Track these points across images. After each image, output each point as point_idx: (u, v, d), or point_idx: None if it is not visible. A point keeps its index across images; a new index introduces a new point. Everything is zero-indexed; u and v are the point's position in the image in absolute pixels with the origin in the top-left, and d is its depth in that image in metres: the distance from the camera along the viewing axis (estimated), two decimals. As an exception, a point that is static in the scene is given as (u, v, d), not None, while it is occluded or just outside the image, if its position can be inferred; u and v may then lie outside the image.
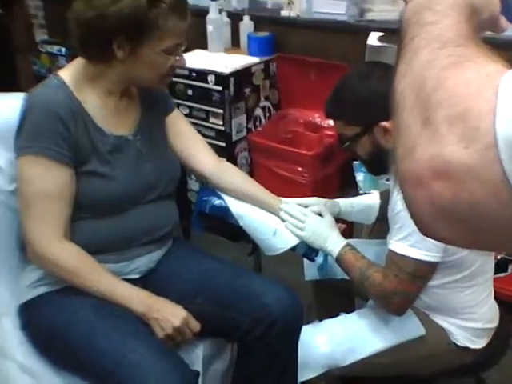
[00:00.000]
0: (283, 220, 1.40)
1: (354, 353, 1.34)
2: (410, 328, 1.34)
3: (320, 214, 1.42)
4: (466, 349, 1.32)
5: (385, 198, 1.53)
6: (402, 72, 0.43)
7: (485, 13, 0.50)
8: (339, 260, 1.34)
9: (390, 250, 1.23)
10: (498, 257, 1.91)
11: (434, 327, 1.33)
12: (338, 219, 1.50)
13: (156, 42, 1.15)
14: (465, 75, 0.37)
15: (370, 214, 1.58)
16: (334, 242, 1.35)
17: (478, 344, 1.33)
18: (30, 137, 1.17)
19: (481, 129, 0.34)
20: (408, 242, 1.19)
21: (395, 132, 0.42)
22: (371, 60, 2.15)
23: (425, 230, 0.40)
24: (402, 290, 1.24)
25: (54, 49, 3.21)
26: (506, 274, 1.99)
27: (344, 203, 1.53)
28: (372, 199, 1.60)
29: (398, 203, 1.22)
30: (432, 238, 0.41)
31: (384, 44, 2.17)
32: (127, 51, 1.15)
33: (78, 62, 1.24)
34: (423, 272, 1.22)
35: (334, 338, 1.37)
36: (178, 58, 1.22)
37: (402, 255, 1.20)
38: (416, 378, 1.50)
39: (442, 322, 1.33)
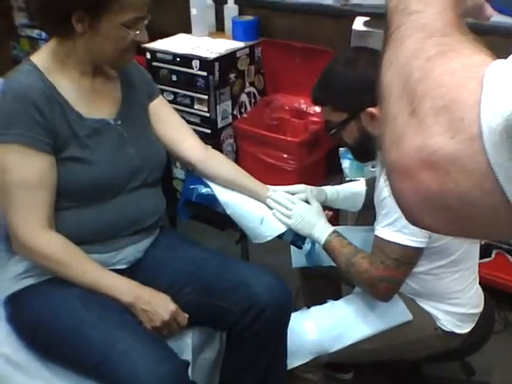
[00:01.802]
0: (270, 208, 1.39)
1: (342, 339, 1.35)
2: (397, 314, 1.35)
3: (307, 202, 1.42)
4: (452, 333, 1.34)
5: (371, 185, 1.54)
6: (388, 62, 0.43)
7: (470, 1, 0.50)
8: (326, 247, 1.34)
9: (376, 236, 1.24)
10: (482, 242, 1.94)
11: (420, 312, 1.35)
12: (325, 206, 1.50)
13: (115, 15, 1.13)
14: (450, 65, 0.37)
15: (357, 202, 1.59)
16: (321, 229, 1.35)
17: (464, 329, 1.35)
18: (4, 124, 1.15)
19: (466, 120, 0.35)
20: (394, 228, 1.20)
21: (382, 121, 0.42)
22: (356, 45, 2.15)
23: (411, 218, 0.41)
24: (388, 275, 1.25)
25: (34, 33, 3.13)
26: (489, 259, 2.02)
27: (330, 190, 1.53)
28: (358, 186, 1.60)
29: (384, 190, 1.22)
30: (418, 226, 0.41)
31: (369, 29, 2.15)
32: (86, 25, 1.13)
33: (49, 46, 1.22)
34: (409, 257, 1.23)
35: (322, 325, 1.38)
36: (138, 32, 1.19)
37: (388, 241, 1.21)
38: (402, 362, 1.52)
39: (428, 307, 1.35)
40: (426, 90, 0.37)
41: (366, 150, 1.32)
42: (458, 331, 1.34)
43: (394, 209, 1.19)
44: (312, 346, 1.36)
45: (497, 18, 0.58)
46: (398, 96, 0.40)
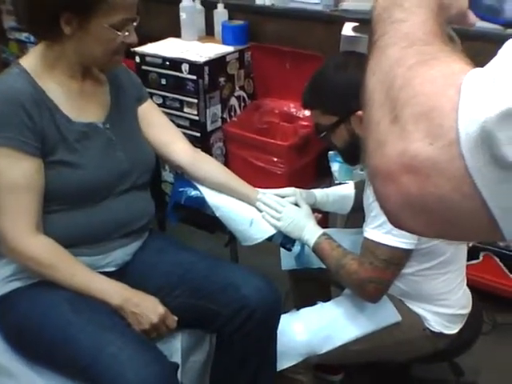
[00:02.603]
0: (260, 210, 1.40)
1: (331, 340, 1.36)
2: (386, 315, 1.36)
3: (297, 205, 1.42)
4: (440, 334, 1.35)
5: (360, 187, 1.55)
6: (372, 69, 0.44)
7: (453, 9, 0.51)
8: (315, 249, 1.35)
9: (366, 238, 1.25)
10: (470, 244, 1.96)
11: (408, 313, 1.36)
12: (314, 209, 1.51)
13: (104, 16, 1.13)
14: (431, 74, 0.39)
15: (345, 204, 1.60)
16: (310, 231, 1.35)
17: (452, 329, 1.36)
18: None
19: (444, 126, 0.36)
20: (383, 230, 1.21)
21: (365, 127, 0.44)
22: (346, 50, 2.16)
23: (395, 221, 0.42)
24: (377, 277, 1.26)
25: (23, 36, 3.11)
26: (477, 261, 2.04)
27: (319, 193, 1.54)
28: (347, 189, 1.61)
29: (372, 200, 1.23)
30: (402, 229, 0.43)
31: (358, 34, 2.17)
32: (75, 26, 1.13)
33: (37, 49, 1.22)
34: (398, 259, 1.24)
35: (311, 327, 1.38)
36: (127, 33, 1.19)
37: (377, 242, 1.22)
38: (391, 363, 1.53)
39: (417, 308, 1.36)
40: (406, 98, 0.39)
41: (355, 153, 1.33)
42: (446, 332, 1.35)
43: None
44: (301, 348, 1.36)
45: (483, 24, 0.59)
46: (381, 103, 0.41)
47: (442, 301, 1.34)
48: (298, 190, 1.49)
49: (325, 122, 1.30)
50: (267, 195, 1.41)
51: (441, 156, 0.36)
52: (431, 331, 1.35)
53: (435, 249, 1.28)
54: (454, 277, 1.34)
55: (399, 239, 1.20)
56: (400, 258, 1.24)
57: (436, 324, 1.35)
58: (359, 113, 1.22)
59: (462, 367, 1.69)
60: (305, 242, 1.37)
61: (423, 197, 0.37)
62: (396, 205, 0.40)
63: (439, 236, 0.42)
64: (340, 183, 1.96)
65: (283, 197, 1.44)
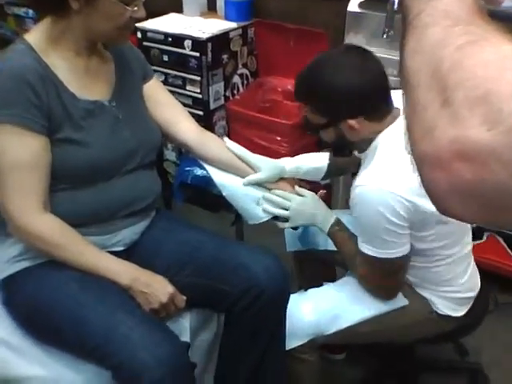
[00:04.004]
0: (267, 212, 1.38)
1: (339, 321, 1.36)
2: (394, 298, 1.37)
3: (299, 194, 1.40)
4: (448, 317, 1.35)
5: (334, 161, 1.52)
6: (411, 51, 0.42)
7: None
8: (330, 237, 1.38)
9: (361, 251, 1.26)
10: (474, 225, 1.96)
11: (416, 297, 1.36)
12: (318, 186, 1.50)
13: None
14: (482, 56, 0.37)
15: (317, 175, 1.55)
16: (322, 220, 1.37)
17: (459, 312, 1.36)
18: None
19: (504, 111, 0.34)
20: (372, 244, 1.22)
21: (408, 111, 0.42)
22: (351, 26, 2.13)
23: (441, 207, 0.41)
24: (385, 284, 1.32)
25: (21, 11, 3.05)
26: (481, 241, 2.04)
27: (290, 166, 1.48)
28: (320, 161, 1.54)
29: (353, 208, 1.23)
30: (446, 214, 0.41)
31: (364, 11, 2.13)
32: (82, 1, 1.10)
33: (43, 25, 1.19)
34: (399, 266, 1.27)
35: (320, 307, 1.38)
36: (135, 8, 1.16)
37: (373, 256, 1.23)
38: (396, 344, 1.54)
39: (424, 292, 1.36)
40: (458, 81, 0.37)
41: (340, 151, 1.35)
42: (453, 314, 1.35)
43: (366, 229, 1.23)
44: (309, 328, 1.36)
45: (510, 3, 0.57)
46: (427, 85, 0.39)
47: (448, 287, 1.34)
48: (264, 160, 1.42)
49: (314, 120, 1.27)
50: (272, 191, 1.39)
51: (499, 142, 0.34)
52: (438, 314, 1.35)
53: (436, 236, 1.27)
54: (459, 261, 1.34)
55: (390, 251, 1.21)
56: (398, 265, 1.26)
57: (443, 307, 1.35)
58: (350, 122, 1.20)
59: (466, 347, 1.71)
60: (320, 229, 1.38)
61: (477, 184, 0.36)
62: (445, 192, 0.38)
63: (489, 222, 0.41)
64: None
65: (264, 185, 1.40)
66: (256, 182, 1.39)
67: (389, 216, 1.15)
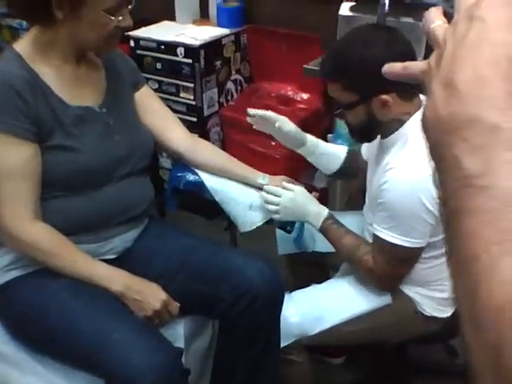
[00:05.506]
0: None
1: (322, 322, 1.35)
2: (377, 297, 1.36)
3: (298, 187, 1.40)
4: (433, 318, 1.35)
5: (351, 158, 1.52)
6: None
7: None
8: (323, 233, 1.35)
9: (380, 238, 1.24)
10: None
11: (401, 297, 1.35)
12: (311, 188, 1.50)
13: (96, 1, 1.10)
14: None
15: (332, 163, 1.52)
16: (314, 215, 1.34)
17: (445, 313, 1.34)
18: None
19: None
20: (397, 231, 1.21)
21: None
22: (343, 31, 2.13)
23: None
24: (395, 274, 1.30)
25: (15, 22, 3.06)
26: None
27: (311, 139, 1.47)
28: (339, 149, 1.54)
29: (382, 193, 1.21)
30: None
31: (356, 14, 2.14)
32: (67, 11, 1.10)
33: (31, 34, 1.20)
34: (415, 256, 1.26)
35: (303, 308, 1.38)
36: (121, 18, 1.16)
37: (393, 244, 1.21)
38: (387, 346, 1.53)
39: (409, 291, 1.35)
40: None
41: (367, 133, 1.30)
42: (438, 315, 1.34)
43: (396, 213, 1.20)
44: (294, 329, 1.35)
45: None
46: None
47: (436, 286, 1.33)
48: (291, 122, 1.43)
49: (344, 98, 1.22)
50: (265, 187, 1.38)
51: None
52: (423, 315, 1.34)
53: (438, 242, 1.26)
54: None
55: (413, 240, 1.20)
56: (416, 255, 1.25)
57: (428, 308, 1.34)
58: (384, 96, 1.16)
59: (456, 348, 1.70)
60: (312, 226, 1.37)
61: None
62: None
63: None
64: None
65: (276, 121, 1.41)
66: (286, 129, 1.41)
67: (428, 205, 1.14)
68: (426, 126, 0.34)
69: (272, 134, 1.48)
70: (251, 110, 1.43)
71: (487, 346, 0.28)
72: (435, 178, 0.34)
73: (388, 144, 1.25)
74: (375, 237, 1.25)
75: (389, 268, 1.27)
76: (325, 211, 1.35)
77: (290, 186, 1.37)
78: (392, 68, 0.42)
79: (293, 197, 1.36)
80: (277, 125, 1.41)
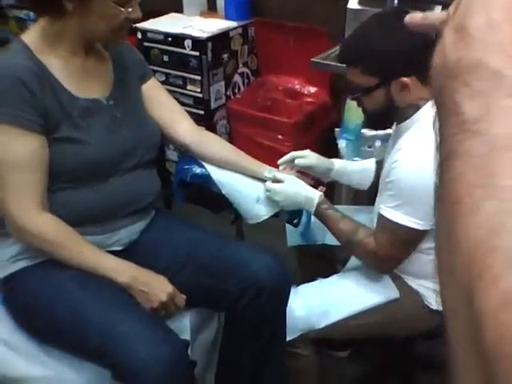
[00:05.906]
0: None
1: (329, 316, 1.35)
2: (385, 291, 1.36)
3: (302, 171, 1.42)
4: (440, 312, 1.34)
5: (380, 167, 1.52)
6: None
7: None
8: (318, 217, 1.36)
9: (384, 217, 1.23)
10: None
11: (408, 291, 1.35)
12: (319, 181, 1.50)
13: None
14: None
15: (365, 177, 1.54)
16: (306, 200, 1.34)
17: None
18: None
19: None
20: (403, 210, 1.20)
21: None
22: (351, 24, 2.12)
23: None
24: (397, 256, 1.29)
25: (23, 13, 3.06)
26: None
27: (339, 162, 1.50)
28: (367, 164, 1.56)
29: (391, 171, 1.21)
30: None
31: (364, 7, 2.12)
32: (77, 2, 1.10)
33: (39, 25, 1.19)
34: (417, 239, 1.25)
35: (309, 302, 1.38)
36: (130, 9, 1.16)
37: (398, 223, 1.21)
38: (394, 340, 1.53)
39: (417, 285, 1.35)
40: None
41: (383, 120, 1.31)
42: None
43: (402, 193, 1.20)
44: (300, 323, 1.35)
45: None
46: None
47: None
48: (313, 154, 1.46)
49: (363, 82, 1.22)
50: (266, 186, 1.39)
51: None
52: (430, 309, 1.34)
53: None
54: None
55: (418, 221, 1.19)
56: (419, 237, 1.24)
57: (434, 301, 1.34)
58: (403, 79, 1.17)
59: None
60: (306, 211, 1.38)
61: None
62: None
63: None
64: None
65: (297, 158, 1.44)
66: (301, 164, 1.45)
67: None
68: (433, 72, 0.34)
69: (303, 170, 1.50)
70: (280, 161, 1.46)
71: (459, 289, 0.28)
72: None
73: (402, 129, 1.26)
74: (379, 215, 1.25)
75: (390, 249, 1.25)
76: (316, 196, 1.34)
77: (281, 175, 1.38)
78: (413, 18, 0.44)
79: (280, 188, 1.36)
80: (296, 161, 1.44)
